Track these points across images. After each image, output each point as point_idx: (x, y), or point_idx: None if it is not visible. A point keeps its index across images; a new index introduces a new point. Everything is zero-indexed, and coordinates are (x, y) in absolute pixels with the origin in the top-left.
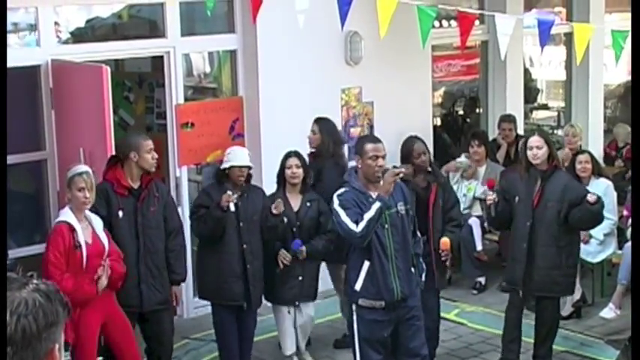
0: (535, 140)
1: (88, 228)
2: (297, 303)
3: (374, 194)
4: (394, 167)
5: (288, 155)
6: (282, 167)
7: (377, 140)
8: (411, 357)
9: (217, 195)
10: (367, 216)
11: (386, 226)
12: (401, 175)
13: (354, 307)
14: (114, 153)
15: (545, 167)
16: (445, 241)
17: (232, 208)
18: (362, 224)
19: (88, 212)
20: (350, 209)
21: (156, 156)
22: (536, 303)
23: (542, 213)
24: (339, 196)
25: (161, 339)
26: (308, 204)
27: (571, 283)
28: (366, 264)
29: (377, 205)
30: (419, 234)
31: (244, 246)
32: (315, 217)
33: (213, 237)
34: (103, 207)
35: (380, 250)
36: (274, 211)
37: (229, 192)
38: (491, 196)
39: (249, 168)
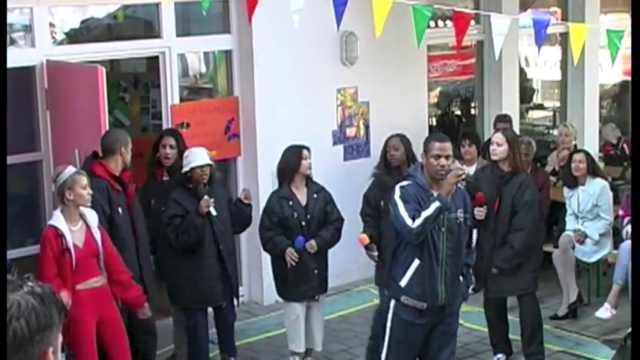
0: (496, 137)
1: (82, 228)
2: (316, 297)
3: (435, 193)
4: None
5: (300, 148)
6: (298, 160)
7: (444, 139)
8: None
9: (187, 201)
10: (425, 214)
11: (442, 229)
12: (464, 176)
13: (392, 303)
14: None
15: (506, 169)
16: (363, 237)
17: (213, 212)
18: (418, 221)
19: (82, 209)
20: (409, 204)
21: None
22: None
23: (502, 219)
24: (401, 187)
25: (151, 328)
26: (315, 195)
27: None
28: (416, 262)
29: (436, 204)
30: (473, 245)
31: (220, 247)
32: (323, 208)
33: (196, 245)
34: (107, 205)
35: (432, 252)
36: (245, 201)
37: (206, 197)
38: (482, 211)
39: (211, 167)
